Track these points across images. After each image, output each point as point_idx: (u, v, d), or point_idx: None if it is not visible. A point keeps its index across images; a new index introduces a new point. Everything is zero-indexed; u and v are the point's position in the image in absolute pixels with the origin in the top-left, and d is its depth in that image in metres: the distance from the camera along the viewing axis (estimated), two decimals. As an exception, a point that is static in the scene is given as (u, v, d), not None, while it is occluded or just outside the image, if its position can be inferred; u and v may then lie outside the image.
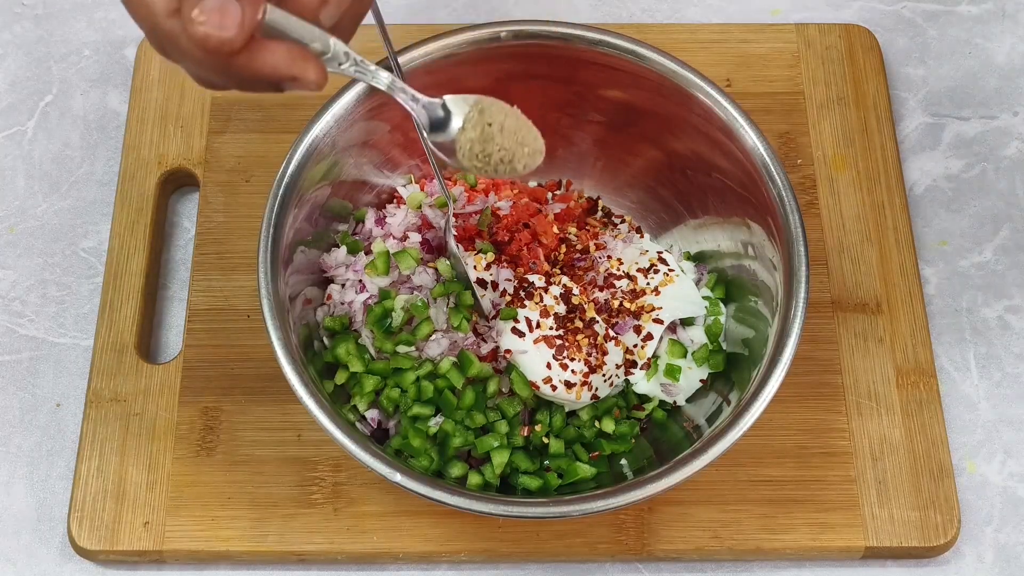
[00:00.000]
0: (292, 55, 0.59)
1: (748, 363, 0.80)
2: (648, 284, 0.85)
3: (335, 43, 0.62)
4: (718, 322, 0.85)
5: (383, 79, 0.66)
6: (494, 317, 0.82)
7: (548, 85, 0.86)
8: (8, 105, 0.99)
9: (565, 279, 0.83)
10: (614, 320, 0.82)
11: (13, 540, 0.83)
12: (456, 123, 0.69)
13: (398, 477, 0.71)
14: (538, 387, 0.80)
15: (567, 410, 0.82)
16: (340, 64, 0.62)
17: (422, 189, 0.88)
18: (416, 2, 1.04)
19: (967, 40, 1.03)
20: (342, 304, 0.84)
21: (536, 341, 0.80)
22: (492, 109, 0.69)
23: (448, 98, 0.69)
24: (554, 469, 0.80)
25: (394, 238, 0.85)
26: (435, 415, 0.80)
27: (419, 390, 0.80)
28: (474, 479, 0.79)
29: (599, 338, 0.81)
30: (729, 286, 0.86)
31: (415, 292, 0.83)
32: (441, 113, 0.69)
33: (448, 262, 0.83)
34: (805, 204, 0.92)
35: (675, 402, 0.84)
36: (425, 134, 0.70)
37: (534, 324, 0.81)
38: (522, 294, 0.82)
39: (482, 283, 0.83)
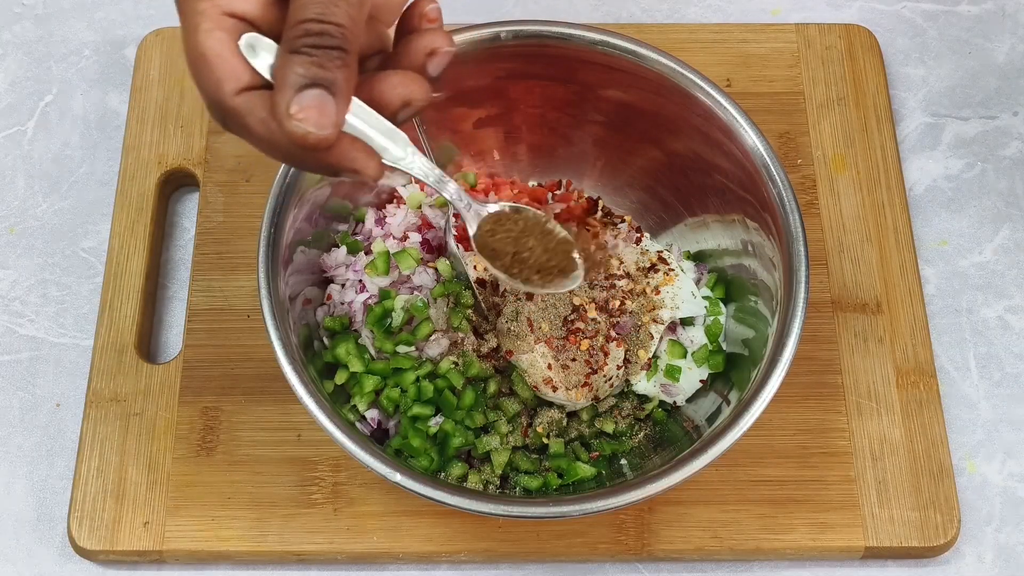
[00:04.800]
0: (365, 151, 0.59)
1: (748, 363, 0.80)
2: (648, 284, 0.85)
3: (401, 138, 0.62)
4: (718, 322, 0.85)
5: (445, 185, 0.68)
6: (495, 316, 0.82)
7: (548, 85, 0.86)
8: (8, 105, 0.99)
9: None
10: (615, 320, 0.82)
11: (13, 540, 0.83)
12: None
13: (398, 477, 0.71)
14: (538, 388, 0.80)
15: (567, 410, 0.82)
16: (401, 160, 0.62)
17: (422, 189, 0.88)
18: (416, 2, 1.03)
19: (967, 40, 1.03)
20: (342, 304, 0.84)
21: (537, 341, 0.80)
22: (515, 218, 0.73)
23: (497, 205, 0.74)
24: (554, 469, 0.80)
25: (394, 238, 0.85)
26: (435, 415, 0.80)
27: (419, 390, 0.80)
28: (474, 479, 0.79)
29: (600, 338, 0.81)
30: (729, 286, 0.86)
31: (415, 292, 0.83)
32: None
33: (448, 262, 0.84)
34: (805, 204, 0.92)
35: (675, 402, 0.84)
36: (471, 232, 0.73)
37: (535, 324, 0.81)
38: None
39: (482, 283, 0.83)
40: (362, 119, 0.60)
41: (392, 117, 0.61)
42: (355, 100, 0.60)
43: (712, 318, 0.85)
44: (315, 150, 0.57)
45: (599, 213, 0.90)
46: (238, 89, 0.57)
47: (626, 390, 0.84)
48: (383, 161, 0.61)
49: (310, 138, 0.56)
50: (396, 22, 0.64)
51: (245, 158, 0.93)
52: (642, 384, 0.83)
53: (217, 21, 0.58)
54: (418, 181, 0.72)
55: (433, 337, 0.81)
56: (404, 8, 0.64)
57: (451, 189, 0.70)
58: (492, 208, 0.74)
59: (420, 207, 0.87)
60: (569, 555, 0.81)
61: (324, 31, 0.56)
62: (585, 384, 0.80)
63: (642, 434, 0.83)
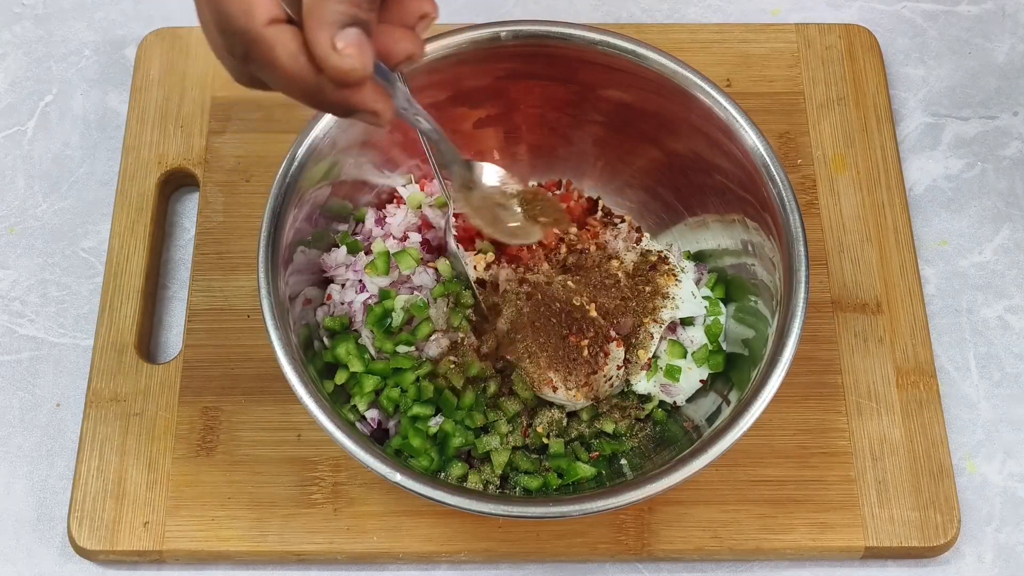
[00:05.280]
0: (384, 95, 0.59)
1: (748, 363, 0.80)
2: (649, 284, 0.85)
3: (400, 85, 0.64)
4: (718, 322, 0.85)
5: (426, 126, 0.70)
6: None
7: (548, 85, 0.86)
8: (8, 105, 0.99)
9: (568, 279, 0.83)
10: (615, 320, 0.82)
11: (13, 540, 0.83)
12: (489, 180, 0.79)
13: (398, 477, 0.71)
14: (538, 388, 0.80)
15: (567, 410, 0.82)
16: (403, 108, 0.65)
17: (422, 189, 0.88)
18: (416, 2, 1.03)
19: (967, 40, 1.03)
20: (342, 304, 0.84)
21: (536, 341, 0.80)
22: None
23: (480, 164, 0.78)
24: (554, 469, 0.80)
25: (394, 238, 0.85)
26: (435, 415, 0.80)
27: (419, 390, 0.80)
28: (474, 479, 0.79)
29: (600, 338, 0.81)
30: (729, 286, 0.86)
31: (415, 292, 0.83)
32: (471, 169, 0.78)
33: (448, 262, 0.84)
34: (805, 204, 0.92)
35: (675, 402, 0.84)
36: (440, 175, 0.78)
37: (535, 324, 0.81)
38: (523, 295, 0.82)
39: (482, 283, 0.83)
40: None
41: (392, 69, 0.61)
42: None
43: (712, 318, 0.85)
44: (348, 87, 0.57)
45: (599, 213, 0.90)
46: (269, 20, 0.56)
47: (626, 390, 0.84)
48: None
49: (354, 74, 0.56)
50: None
51: (245, 158, 0.93)
52: (642, 384, 0.83)
53: None
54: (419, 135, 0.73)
55: (433, 337, 0.81)
56: None
57: (426, 126, 0.70)
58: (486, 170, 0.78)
59: (420, 207, 0.87)
60: (569, 555, 0.81)
61: None
62: (585, 384, 0.80)
63: (642, 434, 0.83)
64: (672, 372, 0.83)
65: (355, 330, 0.83)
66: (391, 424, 0.81)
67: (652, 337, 0.83)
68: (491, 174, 0.78)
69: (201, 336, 0.87)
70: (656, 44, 0.82)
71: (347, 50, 0.55)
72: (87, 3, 1.03)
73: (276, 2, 0.57)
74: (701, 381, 0.84)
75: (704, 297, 0.86)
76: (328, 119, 0.80)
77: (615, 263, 0.85)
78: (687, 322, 0.85)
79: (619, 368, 0.82)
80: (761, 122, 0.81)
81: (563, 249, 0.85)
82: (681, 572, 0.82)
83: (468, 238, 0.85)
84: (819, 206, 0.92)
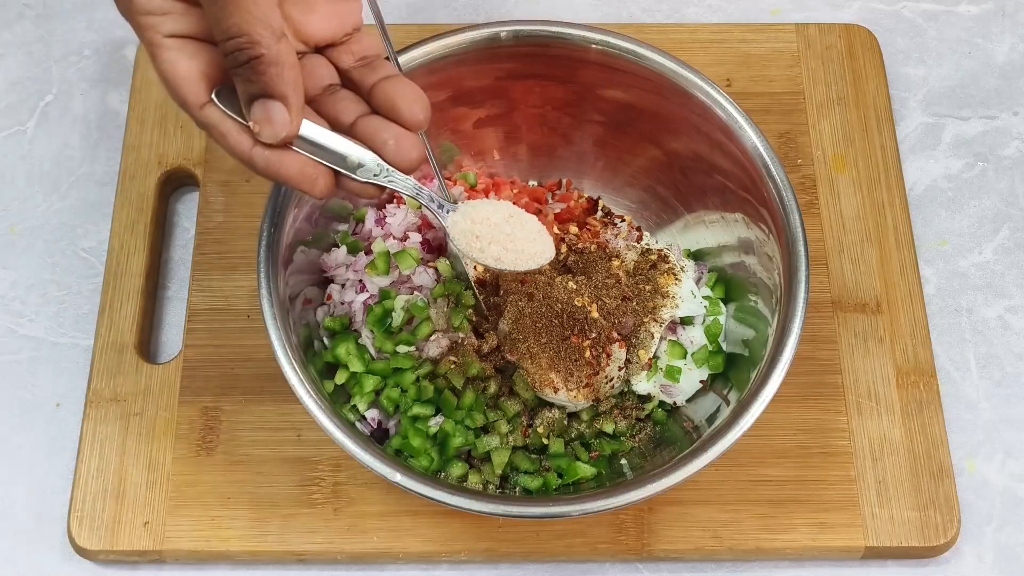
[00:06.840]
0: (317, 170, 0.64)
1: (748, 363, 0.80)
2: (649, 283, 0.84)
3: (370, 157, 0.66)
4: (717, 322, 0.85)
5: (411, 187, 0.69)
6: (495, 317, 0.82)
7: (548, 85, 0.86)
8: (8, 105, 0.99)
9: (569, 279, 0.83)
10: (616, 320, 0.82)
11: (13, 540, 0.83)
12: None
13: (398, 477, 0.71)
14: (540, 389, 0.80)
15: (568, 410, 0.82)
16: (375, 175, 0.66)
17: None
18: (416, 2, 1.04)
19: (967, 40, 1.03)
20: (342, 304, 0.84)
21: (538, 342, 0.80)
22: (482, 210, 0.74)
23: (465, 203, 0.74)
24: (554, 469, 0.80)
25: (394, 238, 0.85)
26: (435, 415, 0.80)
27: (419, 390, 0.80)
28: (474, 479, 0.79)
29: (601, 339, 0.81)
30: (729, 285, 0.86)
31: (415, 292, 0.83)
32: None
33: (448, 262, 0.83)
34: (805, 204, 0.92)
35: (675, 402, 0.84)
36: (448, 237, 0.75)
37: (537, 325, 0.81)
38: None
39: (482, 283, 0.83)
40: (323, 140, 0.64)
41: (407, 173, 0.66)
42: (316, 127, 0.64)
43: (712, 318, 0.85)
44: (276, 150, 0.63)
45: (599, 213, 0.90)
46: (200, 104, 0.63)
47: (626, 390, 0.84)
48: (360, 178, 0.66)
49: (274, 144, 0.62)
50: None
51: (245, 158, 0.93)
52: (642, 384, 0.83)
53: (163, 46, 0.63)
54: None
55: (433, 337, 0.81)
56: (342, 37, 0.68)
57: (425, 195, 0.71)
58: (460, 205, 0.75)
59: (420, 207, 0.87)
60: (569, 555, 0.81)
61: (235, 47, 0.60)
62: (587, 385, 0.80)
63: (642, 434, 0.83)
64: (672, 373, 0.83)
65: (355, 330, 0.83)
66: (391, 424, 0.81)
67: (652, 337, 0.83)
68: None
69: (201, 336, 0.87)
70: (656, 44, 0.82)
71: (256, 127, 0.61)
72: (87, 3, 1.03)
73: (205, 86, 0.63)
74: (701, 382, 0.84)
75: (704, 297, 0.86)
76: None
77: (616, 262, 0.85)
78: (687, 322, 0.85)
79: (620, 369, 0.82)
80: (761, 122, 0.81)
81: (563, 249, 0.85)
82: (681, 572, 0.82)
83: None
84: (819, 206, 0.92)
